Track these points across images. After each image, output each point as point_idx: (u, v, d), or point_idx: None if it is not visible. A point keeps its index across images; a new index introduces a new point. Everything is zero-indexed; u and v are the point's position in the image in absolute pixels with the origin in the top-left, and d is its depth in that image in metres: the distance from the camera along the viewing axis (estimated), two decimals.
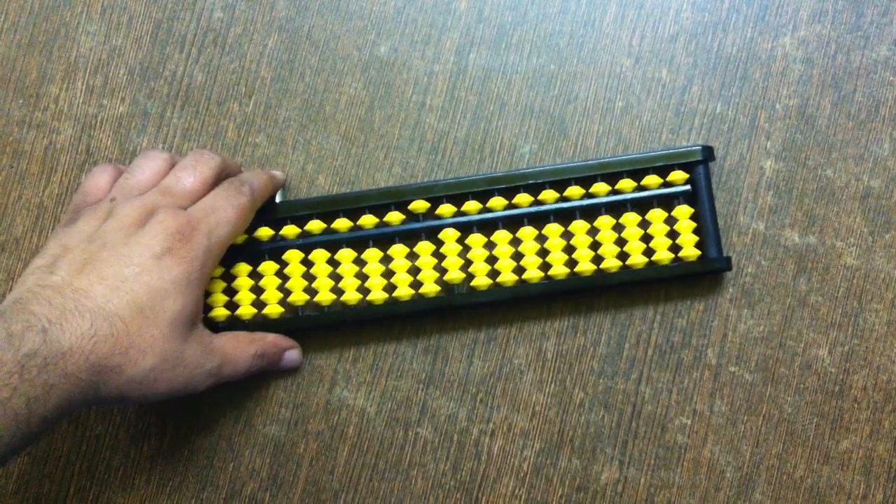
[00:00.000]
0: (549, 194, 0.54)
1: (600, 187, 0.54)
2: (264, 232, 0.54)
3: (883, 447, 0.54)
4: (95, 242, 0.46)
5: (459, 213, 0.55)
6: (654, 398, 0.55)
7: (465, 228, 0.55)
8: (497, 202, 0.54)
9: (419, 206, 0.54)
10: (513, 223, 0.55)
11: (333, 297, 0.54)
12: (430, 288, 0.54)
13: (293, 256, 0.54)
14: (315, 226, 0.54)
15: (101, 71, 0.58)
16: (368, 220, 0.54)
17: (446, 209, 0.54)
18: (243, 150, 0.57)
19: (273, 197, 0.55)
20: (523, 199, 0.54)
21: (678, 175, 0.54)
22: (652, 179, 0.54)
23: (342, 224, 0.54)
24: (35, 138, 0.57)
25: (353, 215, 0.55)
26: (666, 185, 0.55)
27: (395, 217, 0.54)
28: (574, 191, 0.54)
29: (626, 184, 0.54)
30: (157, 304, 0.45)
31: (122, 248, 0.46)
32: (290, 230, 0.54)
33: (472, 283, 0.54)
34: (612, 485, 0.54)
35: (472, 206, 0.54)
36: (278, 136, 0.57)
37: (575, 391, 0.55)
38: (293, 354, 0.54)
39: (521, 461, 0.55)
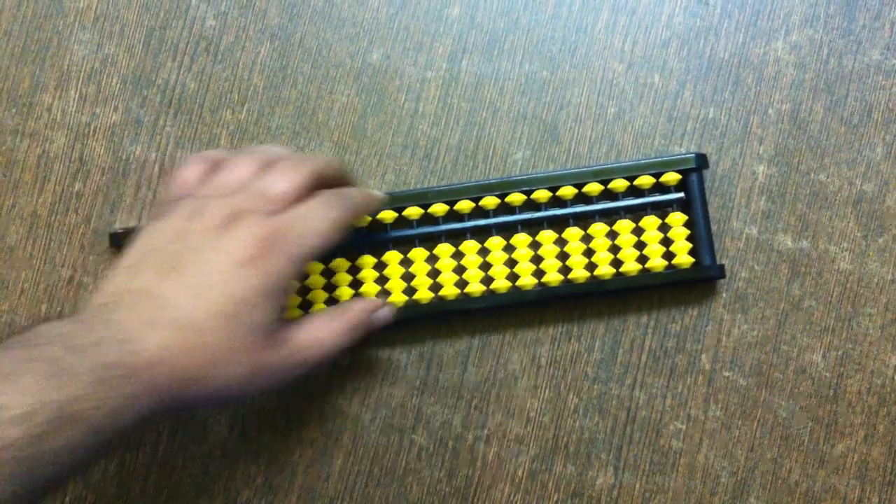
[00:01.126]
0: (542, 198, 0.54)
1: (594, 193, 0.54)
2: None
3: (878, 451, 0.54)
4: (180, 244, 0.45)
5: (452, 216, 0.55)
6: (649, 403, 0.55)
7: (459, 235, 0.55)
8: (489, 201, 0.54)
9: (412, 212, 0.54)
10: (506, 230, 0.55)
11: (324, 307, 0.54)
12: (424, 294, 0.54)
13: None
14: None
15: (94, 79, 0.58)
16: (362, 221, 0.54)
17: (439, 208, 0.54)
18: None
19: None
20: (516, 198, 0.54)
21: (671, 176, 0.54)
22: (645, 180, 0.54)
23: None
24: (28, 147, 0.57)
25: None
26: (660, 192, 0.55)
27: (387, 216, 0.54)
28: (568, 197, 0.54)
29: (618, 184, 0.54)
30: (238, 314, 0.43)
31: (207, 252, 0.44)
32: None
33: (466, 290, 0.54)
34: (607, 490, 0.54)
35: (464, 204, 0.54)
36: (271, 144, 0.57)
37: (569, 397, 0.55)
38: (384, 312, 0.51)
39: (516, 467, 0.55)
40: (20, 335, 0.41)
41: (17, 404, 0.37)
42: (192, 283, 0.43)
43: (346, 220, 0.48)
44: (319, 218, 0.47)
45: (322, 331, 0.48)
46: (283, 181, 0.47)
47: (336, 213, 0.47)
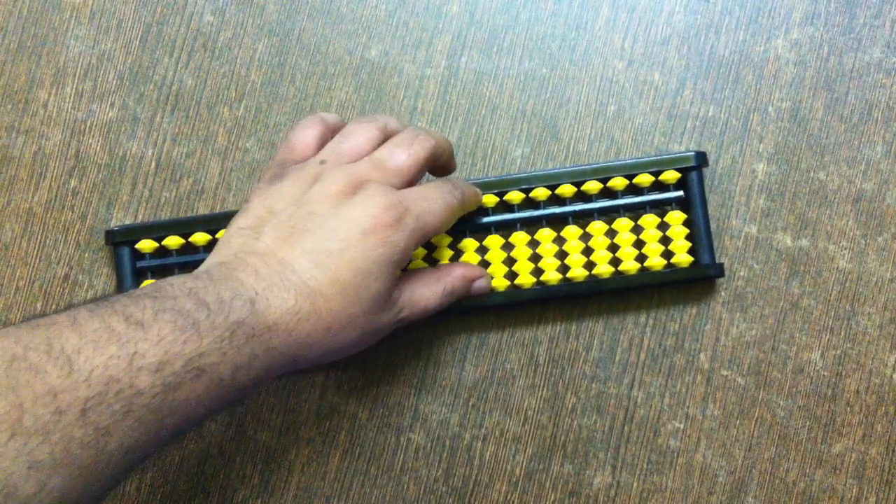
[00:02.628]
0: (541, 196, 0.54)
1: (593, 191, 0.54)
2: None
3: (875, 450, 0.54)
4: (302, 209, 0.45)
5: None
6: (647, 402, 0.55)
7: (457, 233, 0.55)
8: (488, 199, 0.54)
9: None
10: (505, 228, 0.55)
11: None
12: None
13: None
14: None
15: (90, 76, 0.57)
16: None
17: None
18: (233, 154, 0.57)
19: None
20: (515, 196, 0.54)
21: (670, 175, 0.53)
22: (645, 178, 0.54)
23: None
24: (24, 144, 0.57)
25: None
26: (659, 190, 0.55)
27: None
28: (567, 196, 0.54)
29: (618, 182, 0.54)
30: (359, 283, 0.44)
31: (329, 219, 0.44)
32: None
33: None
34: (604, 489, 0.54)
35: None
36: (269, 141, 0.57)
37: (567, 396, 0.55)
38: (482, 283, 0.52)
39: (513, 466, 0.55)
40: (142, 288, 0.41)
41: (150, 353, 0.38)
42: (316, 249, 0.44)
43: (459, 210, 0.49)
44: (441, 201, 0.47)
45: (423, 293, 0.49)
46: (404, 154, 0.47)
47: (455, 201, 0.48)
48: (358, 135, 0.48)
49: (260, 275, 0.42)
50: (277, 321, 0.42)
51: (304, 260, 0.43)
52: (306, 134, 0.49)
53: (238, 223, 0.46)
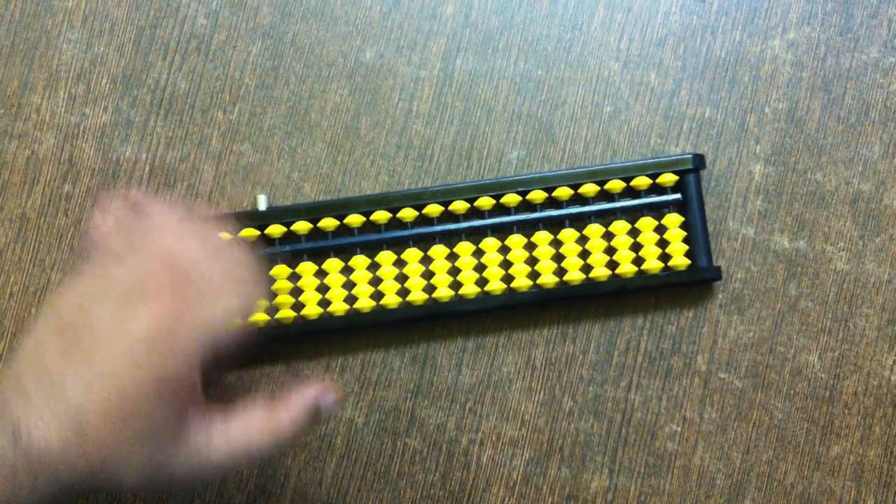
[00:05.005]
0: (538, 198, 0.54)
1: (590, 194, 0.54)
2: (250, 232, 0.53)
3: (874, 453, 0.54)
4: (83, 315, 0.41)
5: (447, 217, 0.54)
6: (644, 405, 0.55)
7: (453, 236, 0.54)
8: (485, 202, 0.54)
9: (407, 214, 0.54)
10: (501, 231, 0.54)
11: (321, 310, 0.54)
12: (418, 296, 0.53)
13: (280, 272, 0.54)
14: (302, 226, 0.54)
15: (84, 79, 0.57)
16: (355, 220, 0.54)
17: (434, 209, 0.54)
18: (228, 158, 0.56)
19: (257, 205, 0.54)
20: (511, 199, 0.54)
21: (668, 177, 0.53)
22: (642, 181, 0.53)
23: (329, 223, 0.54)
24: (17, 148, 0.57)
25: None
26: (656, 193, 0.54)
27: (381, 216, 0.54)
28: (563, 198, 0.54)
29: (615, 184, 0.54)
30: (129, 414, 0.40)
31: (104, 331, 0.41)
32: (276, 229, 0.54)
33: (461, 292, 0.54)
34: (602, 493, 0.54)
35: (459, 205, 0.54)
36: (263, 144, 0.56)
37: (564, 399, 0.55)
38: (330, 400, 0.45)
39: (510, 470, 0.54)
40: None
41: None
42: (87, 368, 0.40)
43: (254, 302, 0.44)
44: (227, 300, 0.42)
45: (252, 435, 0.43)
46: (194, 242, 0.43)
47: (246, 300, 0.43)
48: (153, 222, 0.44)
49: (31, 399, 0.39)
50: (42, 451, 0.39)
51: (77, 382, 0.40)
52: (105, 220, 0.44)
53: (30, 333, 0.42)
